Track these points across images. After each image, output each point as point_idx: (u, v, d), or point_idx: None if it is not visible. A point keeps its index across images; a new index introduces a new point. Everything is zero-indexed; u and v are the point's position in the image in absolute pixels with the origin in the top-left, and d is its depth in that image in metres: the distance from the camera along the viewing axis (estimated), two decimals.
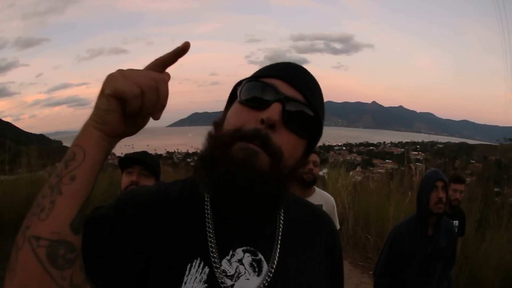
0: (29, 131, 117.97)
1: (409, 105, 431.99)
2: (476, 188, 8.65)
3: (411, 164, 8.71)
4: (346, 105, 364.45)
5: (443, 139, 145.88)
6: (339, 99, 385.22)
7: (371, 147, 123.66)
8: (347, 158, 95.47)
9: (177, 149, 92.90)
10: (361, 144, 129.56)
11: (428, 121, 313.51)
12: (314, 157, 3.30)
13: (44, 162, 9.16)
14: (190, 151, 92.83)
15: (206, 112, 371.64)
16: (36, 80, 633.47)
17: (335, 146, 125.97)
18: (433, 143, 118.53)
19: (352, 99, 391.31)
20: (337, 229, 3.82)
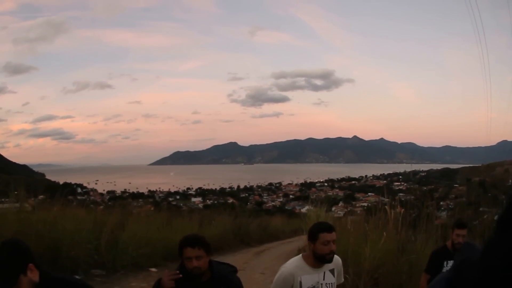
0: (13, 160, 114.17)
1: (390, 137, 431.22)
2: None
3: (386, 207, 8.59)
4: (327, 141, 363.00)
5: (425, 167, 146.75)
6: (320, 136, 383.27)
7: (353, 182, 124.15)
8: (329, 194, 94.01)
9: (159, 188, 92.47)
10: (342, 179, 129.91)
11: (409, 150, 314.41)
12: (333, 236, 3.36)
13: (29, 194, 9.11)
14: (172, 190, 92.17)
15: (188, 151, 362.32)
16: (22, 108, 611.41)
17: (316, 182, 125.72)
18: (415, 172, 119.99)
19: (333, 135, 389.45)
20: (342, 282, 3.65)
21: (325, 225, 3.39)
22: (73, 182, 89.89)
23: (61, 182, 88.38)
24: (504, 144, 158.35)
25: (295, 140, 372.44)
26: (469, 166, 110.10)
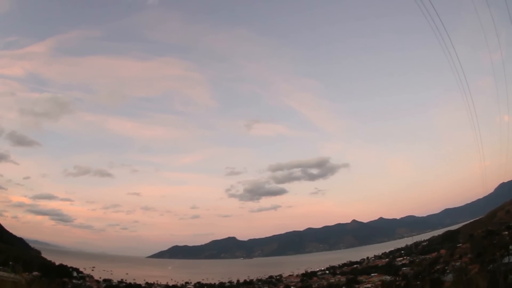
0: (10, 230, 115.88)
1: (389, 215, 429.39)
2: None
3: None
4: (326, 229, 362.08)
5: (426, 236, 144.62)
6: (318, 225, 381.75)
7: (355, 265, 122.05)
8: (331, 281, 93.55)
9: (157, 280, 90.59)
10: (344, 265, 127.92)
11: (409, 224, 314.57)
12: None
13: (25, 268, 8.60)
14: (170, 283, 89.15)
15: (186, 246, 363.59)
16: (23, 182, 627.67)
17: (318, 271, 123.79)
18: (417, 244, 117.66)
19: (331, 222, 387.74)
20: None
21: None
22: (69, 265, 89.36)
23: (56, 263, 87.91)
24: (502, 187, 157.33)
25: (294, 231, 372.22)
26: (471, 222, 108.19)
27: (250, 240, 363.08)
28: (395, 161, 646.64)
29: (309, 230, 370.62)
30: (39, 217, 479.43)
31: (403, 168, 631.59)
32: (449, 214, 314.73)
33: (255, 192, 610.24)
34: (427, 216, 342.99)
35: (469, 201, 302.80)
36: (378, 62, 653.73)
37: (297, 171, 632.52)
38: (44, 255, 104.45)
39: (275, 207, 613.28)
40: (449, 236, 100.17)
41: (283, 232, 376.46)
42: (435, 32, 26.37)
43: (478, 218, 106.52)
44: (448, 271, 60.69)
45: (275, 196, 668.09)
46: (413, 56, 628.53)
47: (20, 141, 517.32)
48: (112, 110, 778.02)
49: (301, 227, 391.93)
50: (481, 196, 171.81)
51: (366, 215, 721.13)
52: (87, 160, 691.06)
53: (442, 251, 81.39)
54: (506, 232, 58.82)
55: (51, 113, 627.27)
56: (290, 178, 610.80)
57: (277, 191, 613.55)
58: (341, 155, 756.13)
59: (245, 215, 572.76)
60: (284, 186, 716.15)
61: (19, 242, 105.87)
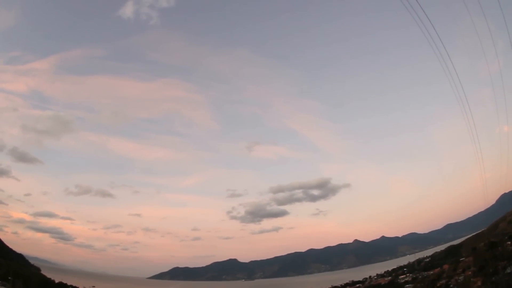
0: (10, 246, 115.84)
1: (390, 233, 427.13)
2: None
3: None
4: (328, 250, 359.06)
5: (429, 252, 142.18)
6: (320, 245, 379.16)
7: (357, 285, 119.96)
8: None
9: None
10: (346, 285, 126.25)
11: (411, 241, 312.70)
12: None
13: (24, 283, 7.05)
14: None
15: (187, 268, 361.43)
16: (24, 198, 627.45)
17: None
18: (419, 260, 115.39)
19: (333, 242, 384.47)
20: None
21: None
22: (68, 284, 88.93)
23: (56, 281, 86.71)
24: (503, 197, 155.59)
25: (295, 252, 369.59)
26: (473, 235, 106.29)
27: (251, 261, 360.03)
28: (396, 179, 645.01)
29: (311, 251, 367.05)
30: (39, 234, 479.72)
31: (404, 185, 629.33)
32: (451, 229, 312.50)
33: (256, 214, 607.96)
34: (429, 232, 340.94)
35: (471, 215, 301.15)
36: (376, 80, 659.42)
37: (299, 193, 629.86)
38: (43, 272, 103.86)
39: (276, 229, 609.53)
40: (452, 251, 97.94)
41: (284, 253, 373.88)
42: (432, 46, 25.14)
43: (480, 231, 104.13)
44: (451, 285, 58.88)
45: (276, 218, 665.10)
46: (410, 72, 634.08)
47: (21, 157, 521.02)
48: (114, 130, 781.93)
49: (302, 248, 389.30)
50: (483, 209, 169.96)
51: (368, 234, 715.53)
52: (88, 180, 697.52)
53: (445, 266, 79.39)
54: (509, 243, 56.89)
55: (53, 131, 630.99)
56: (291, 200, 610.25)
57: (279, 212, 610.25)
58: (342, 175, 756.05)
59: (246, 237, 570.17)
60: (286, 207, 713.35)
61: (19, 258, 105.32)
